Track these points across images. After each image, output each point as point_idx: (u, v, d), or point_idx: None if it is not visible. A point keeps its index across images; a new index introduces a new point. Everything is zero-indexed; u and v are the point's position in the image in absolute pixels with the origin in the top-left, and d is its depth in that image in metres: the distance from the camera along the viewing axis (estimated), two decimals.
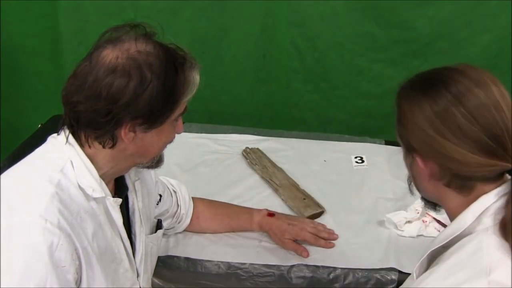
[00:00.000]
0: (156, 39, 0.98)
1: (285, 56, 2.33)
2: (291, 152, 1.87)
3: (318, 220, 1.51)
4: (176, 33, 2.39)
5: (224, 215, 1.47)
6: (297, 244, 1.39)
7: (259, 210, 1.47)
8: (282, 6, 2.22)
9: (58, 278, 0.89)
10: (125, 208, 1.13)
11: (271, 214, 1.45)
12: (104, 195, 1.01)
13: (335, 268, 1.34)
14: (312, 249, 1.39)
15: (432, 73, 0.95)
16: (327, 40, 2.26)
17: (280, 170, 1.72)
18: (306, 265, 1.35)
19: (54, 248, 0.88)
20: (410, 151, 0.95)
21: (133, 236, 1.14)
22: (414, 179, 0.99)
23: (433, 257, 0.94)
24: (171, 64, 0.96)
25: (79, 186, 0.97)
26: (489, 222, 0.87)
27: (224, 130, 1.99)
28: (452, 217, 0.94)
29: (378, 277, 1.32)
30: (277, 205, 1.57)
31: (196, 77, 1.01)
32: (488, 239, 0.85)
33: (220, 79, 2.40)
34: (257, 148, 1.83)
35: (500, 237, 0.84)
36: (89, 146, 0.99)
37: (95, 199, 1.00)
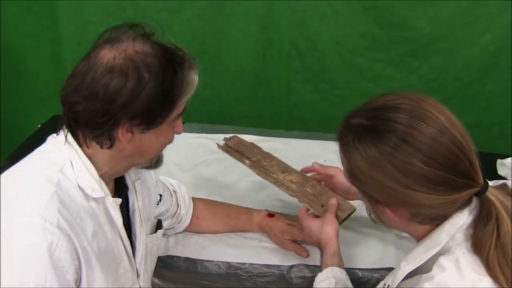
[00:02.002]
0: (155, 39, 0.98)
1: (285, 56, 2.33)
2: (291, 152, 1.86)
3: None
4: (176, 33, 2.40)
5: (224, 215, 1.47)
6: (297, 244, 1.39)
7: (259, 211, 1.47)
8: (282, 6, 2.22)
9: (58, 278, 0.89)
10: (125, 208, 1.13)
11: (270, 214, 1.45)
12: (103, 195, 1.00)
13: None
14: (312, 249, 1.38)
15: (373, 117, 0.89)
16: (327, 40, 2.26)
17: (275, 159, 1.54)
18: (306, 265, 1.35)
19: (53, 248, 0.88)
20: (375, 203, 0.93)
21: (133, 236, 1.14)
22: (380, 219, 0.97)
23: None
24: (169, 64, 0.95)
25: (79, 186, 0.97)
26: (461, 238, 0.87)
27: (224, 130, 1.99)
28: (419, 238, 0.94)
29: (378, 277, 1.31)
30: (278, 205, 1.57)
31: (194, 78, 1.00)
32: (464, 258, 0.85)
33: (220, 79, 2.40)
34: (235, 136, 1.60)
35: (473, 253, 0.85)
36: (88, 146, 0.99)
37: (94, 199, 1.00)
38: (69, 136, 0.98)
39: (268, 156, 1.52)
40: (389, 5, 2.15)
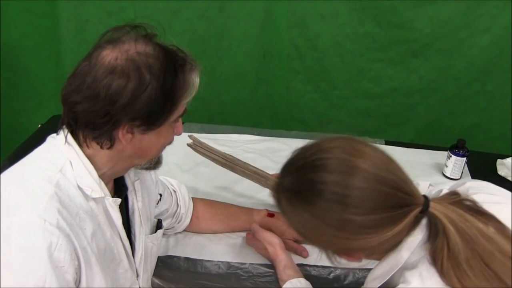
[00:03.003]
0: (157, 40, 0.98)
1: (285, 56, 2.33)
2: (291, 152, 1.86)
3: None
4: (176, 33, 2.40)
5: (224, 215, 1.47)
6: (297, 244, 1.39)
7: (259, 211, 1.47)
8: (282, 6, 2.22)
9: (57, 278, 0.89)
10: (124, 208, 1.13)
11: (271, 214, 1.45)
12: (103, 195, 1.00)
13: (335, 268, 1.34)
14: (312, 249, 1.39)
15: (299, 181, 0.89)
16: (327, 40, 2.26)
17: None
18: (306, 265, 1.35)
19: (53, 248, 0.88)
20: (330, 252, 0.95)
21: (132, 236, 1.14)
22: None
23: None
24: (171, 66, 0.95)
25: (78, 186, 0.97)
26: (423, 252, 0.89)
27: (224, 130, 1.99)
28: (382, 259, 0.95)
29: None
30: None
31: (196, 80, 1.00)
32: (427, 271, 0.86)
33: (220, 79, 2.40)
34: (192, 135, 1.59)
35: (432, 265, 0.87)
36: (88, 146, 0.99)
37: (94, 199, 0.99)
38: (69, 136, 0.98)
39: (234, 158, 1.54)
40: (389, 5, 2.15)
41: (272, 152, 1.86)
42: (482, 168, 1.79)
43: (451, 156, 1.71)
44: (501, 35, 2.11)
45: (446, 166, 1.74)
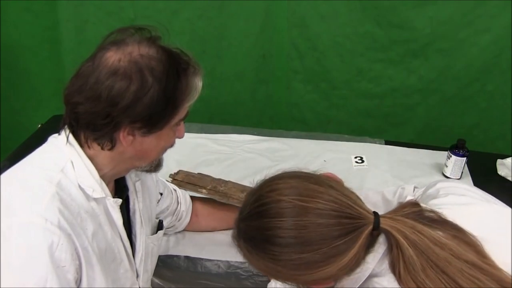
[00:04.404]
0: (161, 42, 0.97)
1: (285, 56, 2.34)
2: (291, 152, 1.87)
3: None
4: (176, 33, 2.40)
5: (223, 212, 1.47)
6: None
7: None
8: (282, 6, 2.23)
9: (58, 278, 0.89)
10: (125, 209, 1.13)
11: None
12: (104, 195, 1.01)
13: None
14: None
15: (254, 227, 0.90)
16: (327, 40, 2.26)
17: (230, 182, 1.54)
18: None
19: (54, 247, 0.88)
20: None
21: (133, 237, 1.15)
22: None
23: None
24: (174, 69, 0.95)
25: (80, 186, 0.97)
26: (384, 263, 0.91)
27: (224, 130, 1.99)
28: None
29: None
30: None
31: (198, 83, 1.00)
32: (390, 279, 0.89)
33: (220, 79, 2.40)
34: (180, 170, 1.56)
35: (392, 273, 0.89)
36: (89, 147, 0.99)
37: (95, 199, 1.00)
38: (71, 136, 0.98)
39: (221, 181, 1.52)
40: (389, 5, 2.15)
41: (272, 152, 1.86)
42: (482, 168, 1.79)
43: (451, 156, 1.71)
44: (501, 35, 2.11)
45: (446, 166, 1.74)
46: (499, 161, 1.79)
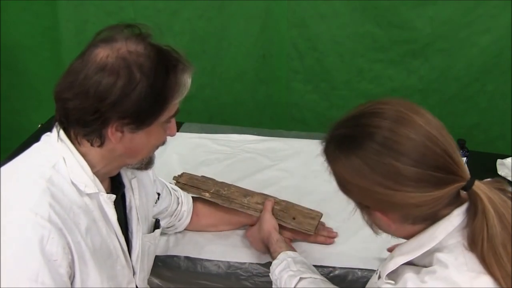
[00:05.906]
0: (152, 40, 0.98)
1: (285, 56, 2.34)
2: (291, 152, 1.87)
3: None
4: (176, 33, 2.41)
5: (223, 211, 1.46)
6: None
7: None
8: (282, 6, 2.23)
9: (50, 272, 0.89)
10: (122, 206, 1.13)
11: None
12: (97, 190, 1.01)
13: (334, 268, 1.34)
14: (312, 249, 1.39)
15: (352, 126, 0.92)
16: (327, 40, 2.26)
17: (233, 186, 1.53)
18: None
19: (45, 241, 0.89)
20: (365, 208, 0.95)
21: (129, 234, 1.15)
22: (377, 225, 0.98)
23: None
24: (162, 66, 0.95)
25: (72, 182, 0.98)
26: (459, 236, 0.89)
27: (224, 130, 1.99)
28: (409, 237, 0.95)
29: None
30: None
31: (187, 80, 1.00)
32: (463, 256, 0.86)
33: (220, 79, 2.40)
34: (184, 173, 1.55)
35: (470, 251, 0.86)
36: (79, 144, 0.99)
37: (88, 195, 1.00)
38: (62, 133, 0.99)
39: (224, 185, 1.52)
40: (389, 5, 2.15)
41: (272, 152, 1.86)
42: (482, 168, 1.79)
43: None
44: (501, 35, 2.11)
45: None
46: (499, 161, 1.79)
